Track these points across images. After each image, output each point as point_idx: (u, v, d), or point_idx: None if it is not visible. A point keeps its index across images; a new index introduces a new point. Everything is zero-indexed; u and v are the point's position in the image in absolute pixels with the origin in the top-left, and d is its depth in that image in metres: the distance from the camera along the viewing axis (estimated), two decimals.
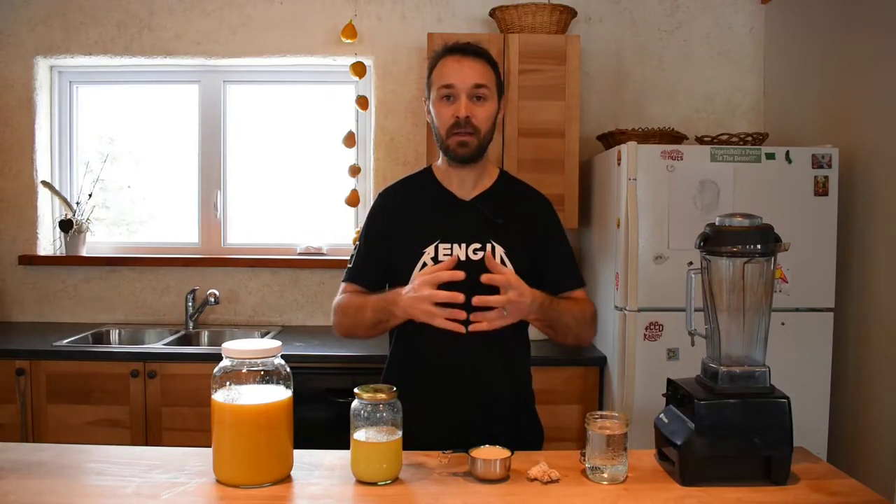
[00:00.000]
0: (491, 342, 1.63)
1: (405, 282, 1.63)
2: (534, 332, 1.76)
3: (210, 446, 1.34)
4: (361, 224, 1.83)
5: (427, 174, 1.78)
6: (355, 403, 1.35)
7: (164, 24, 3.24)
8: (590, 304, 1.74)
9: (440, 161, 1.76)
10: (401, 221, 1.72)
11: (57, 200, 3.33)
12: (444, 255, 1.65)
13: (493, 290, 1.58)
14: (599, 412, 1.40)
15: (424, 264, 1.65)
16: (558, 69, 2.86)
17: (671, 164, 2.49)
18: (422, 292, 1.48)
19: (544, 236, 1.73)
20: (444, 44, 1.70)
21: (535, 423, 1.77)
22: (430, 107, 1.69)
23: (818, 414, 2.51)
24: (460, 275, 1.49)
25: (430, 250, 1.66)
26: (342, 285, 1.76)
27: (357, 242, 1.79)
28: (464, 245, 1.66)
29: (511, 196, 1.75)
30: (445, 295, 1.46)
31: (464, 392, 1.65)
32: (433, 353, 1.66)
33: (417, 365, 1.68)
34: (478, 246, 1.66)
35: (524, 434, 1.69)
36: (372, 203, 1.83)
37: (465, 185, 1.72)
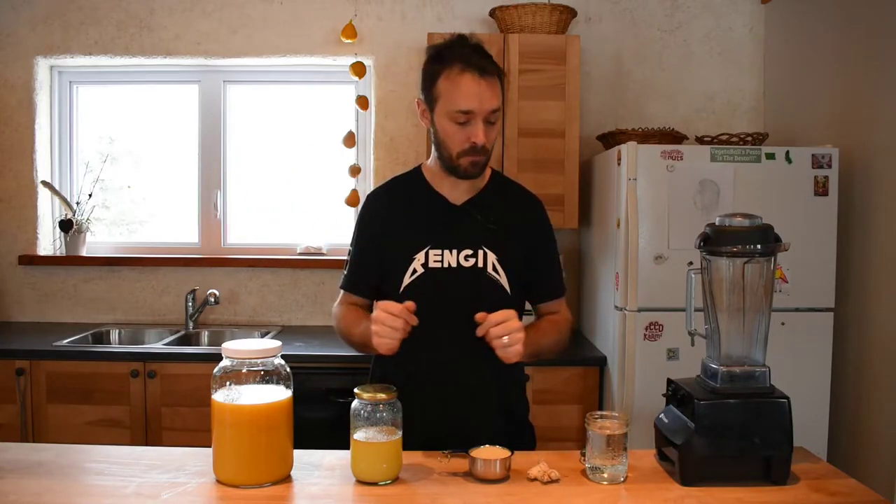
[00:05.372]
0: (479, 348, 1.62)
1: (396, 288, 1.62)
2: None
3: (210, 446, 1.34)
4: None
5: (417, 175, 1.73)
6: (355, 403, 1.35)
7: (164, 24, 3.24)
8: (565, 317, 1.74)
9: (431, 161, 1.70)
10: (391, 226, 1.68)
11: (57, 200, 3.33)
12: (435, 261, 1.63)
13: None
14: (599, 412, 1.40)
15: (415, 271, 1.62)
16: (558, 69, 2.86)
17: (671, 164, 2.49)
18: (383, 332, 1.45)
19: (534, 240, 1.71)
20: (452, 45, 1.58)
21: (527, 431, 1.76)
22: (435, 119, 1.60)
23: (818, 414, 2.51)
24: (410, 306, 1.46)
25: (420, 256, 1.63)
26: (340, 292, 1.74)
27: (350, 248, 1.75)
28: (454, 251, 1.63)
29: (503, 198, 1.72)
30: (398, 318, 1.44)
31: (451, 397, 1.63)
32: (421, 354, 1.63)
33: (406, 370, 1.63)
34: (469, 252, 1.63)
35: (515, 435, 1.65)
36: (361, 206, 1.79)
37: (458, 189, 1.67)
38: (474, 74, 1.53)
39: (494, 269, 1.63)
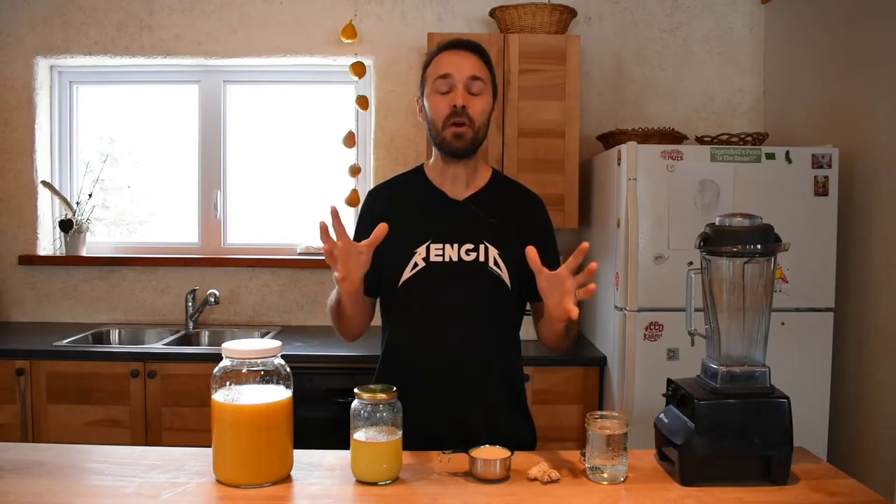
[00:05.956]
0: (480, 342, 1.63)
1: (396, 283, 1.63)
2: (530, 332, 1.75)
3: (210, 446, 1.34)
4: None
5: (418, 173, 1.75)
6: (355, 403, 1.35)
7: (164, 24, 3.24)
8: None
9: (432, 160, 1.73)
10: (392, 221, 1.65)
11: (57, 200, 3.33)
12: (436, 255, 1.63)
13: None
14: (599, 412, 1.39)
15: (416, 265, 1.63)
16: (558, 69, 2.86)
17: (671, 164, 2.49)
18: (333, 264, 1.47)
19: (536, 238, 1.68)
20: (440, 43, 1.69)
21: (527, 424, 1.76)
22: (425, 101, 1.67)
23: (818, 414, 2.51)
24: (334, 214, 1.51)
25: (421, 251, 1.63)
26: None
27: None
28: (456, 245, 1.64)
29: (504, 196, 1.73)
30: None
31: (453, 391, 1.63)
32: (421, 347, 1.64)
33: (408, 364, 1.65)
34: (470, 246, 1.64)
35: (516, 434, 1.66)
36: (362, 202, 1.81)
37: (458, 183, 1.69)
38: (454, 49, 1.66)
39: (496, 263, 1.64)
